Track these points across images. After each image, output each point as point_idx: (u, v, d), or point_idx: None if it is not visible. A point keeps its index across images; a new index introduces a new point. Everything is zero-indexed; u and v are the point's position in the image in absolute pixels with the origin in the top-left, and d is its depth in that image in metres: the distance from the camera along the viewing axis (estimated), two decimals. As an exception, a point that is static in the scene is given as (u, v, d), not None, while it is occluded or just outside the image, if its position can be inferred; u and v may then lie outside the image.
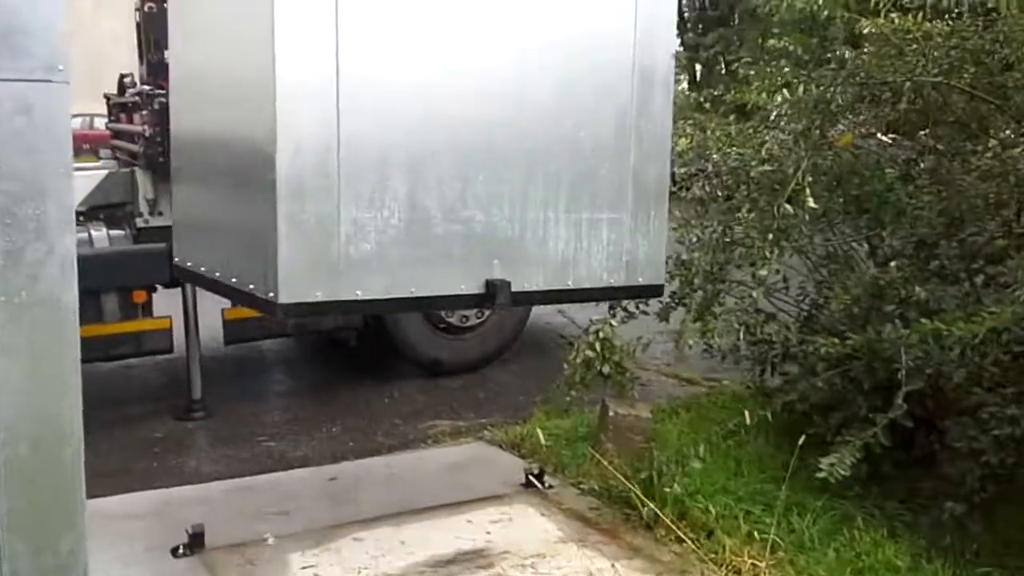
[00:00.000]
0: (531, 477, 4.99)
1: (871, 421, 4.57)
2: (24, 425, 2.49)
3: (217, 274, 3.90)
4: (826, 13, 5.37)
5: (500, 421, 6.66)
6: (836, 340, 4.38)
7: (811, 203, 4.44)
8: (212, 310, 7.38)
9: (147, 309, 6.83)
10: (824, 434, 4.70)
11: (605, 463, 4.75)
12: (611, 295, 4.21)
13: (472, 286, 3.68)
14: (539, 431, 5.54)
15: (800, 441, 4.40)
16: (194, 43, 4.12)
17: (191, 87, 4.18)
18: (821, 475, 3.94)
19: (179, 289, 6.87)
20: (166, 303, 7.17)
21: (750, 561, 3.84)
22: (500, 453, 5.66)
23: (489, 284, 3.68)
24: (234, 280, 3.72)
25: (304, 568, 4.03)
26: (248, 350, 8.63)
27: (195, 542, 4.20)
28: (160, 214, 7.26)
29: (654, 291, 4.28)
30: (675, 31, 4.10)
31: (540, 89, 3.75)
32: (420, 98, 3.50)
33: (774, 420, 5.13)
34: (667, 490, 4.44)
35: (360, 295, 3.46)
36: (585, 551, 4.17)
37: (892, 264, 4.51)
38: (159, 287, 6.97)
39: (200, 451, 6.35)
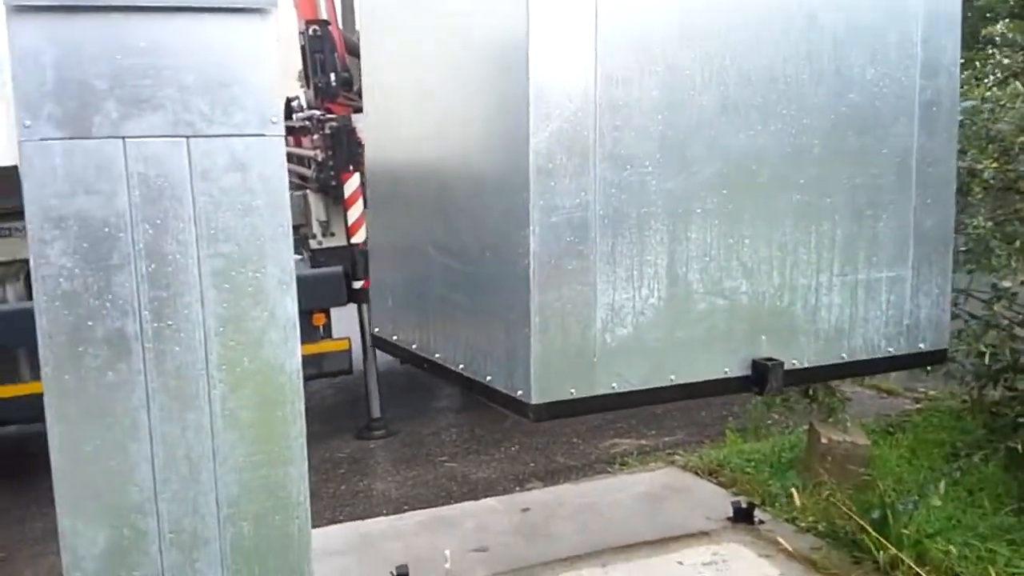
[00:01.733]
0: (740, 510, 4.63)
1: None
2: (249, 500, 2.37)
3: (437, 356, 3.57)
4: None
5: (686, 440, 6.33)
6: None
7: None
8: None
9: (327, 331, 6.86)
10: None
11: (825, 497, 4.36)
12: (889, 366, 3.69)
13: (737, 368, 3.29)
14: (737, 456, 5.19)
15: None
16: (399, 82, 3.78)
17: (396, 137, 3.86)
18: None
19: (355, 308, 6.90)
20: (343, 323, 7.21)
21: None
22: (697, 481, 5.32)
23: (756, 365, 3.28)
24: (462, 367, 3.39)
25: (513, 616, 3.83)
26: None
27: (400, 584, 4.08)
28: (332, 235, 7.34)
29: (937, 358, 3.74)
30: (959, 52, 3.56)
31: (812, 133, 3.30)
32: (688, 142, 3.11)
33: (1003, 439, 4.60)
34: (904, 531, 3.99)
35: (616, 388, 3.10)
36: (814, 599, 3.80)
37: None
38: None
39: (385, 473, 6.32)
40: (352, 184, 6.65)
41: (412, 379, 8.46)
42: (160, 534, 2.31)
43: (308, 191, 7.28)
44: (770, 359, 3.29)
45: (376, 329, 4.14)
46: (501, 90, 3.03)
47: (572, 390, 3.03)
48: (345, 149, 6.63)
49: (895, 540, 3.97)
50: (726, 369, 3.28)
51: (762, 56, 3.16)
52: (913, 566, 3.78)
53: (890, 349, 3.55)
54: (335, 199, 6.98)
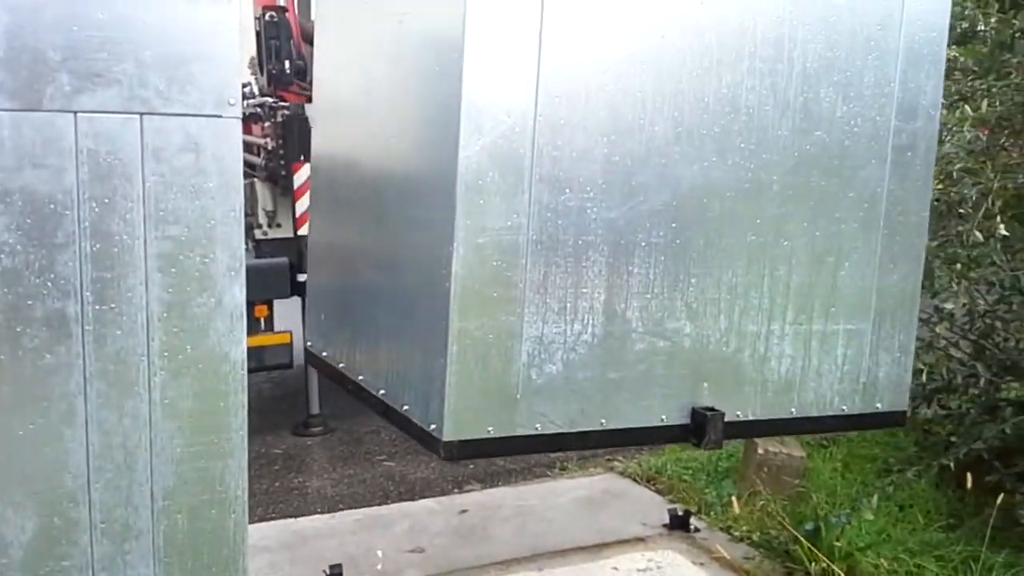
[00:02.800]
0: (676, 518, 4.67)
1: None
2: (185, 493, 2.31)
3: (361, 378, 3.36)
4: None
5: (626, 447, 6.34)
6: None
7: (1003, 230, 3.99)
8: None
9: (269, 324, 6.73)
10: (1000, 482, 4.26)
11: (760, 507, 4.41)
12: (841, 425, 3.47)
13: (675, 416, 3.05)
14: (675, 463, 5.22)
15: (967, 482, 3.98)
16: (346, 84, 3.62)
17: (339, 135, 3.71)
18: None
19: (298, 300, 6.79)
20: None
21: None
22: (634, 487, 5.34)
23: (696, 414, 3.05)
24: (382, 392, 3.17)
25: (448, 618, 3.79)
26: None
27: (334, 583, 4.01)
28: (279, 226, 7.20)
29: (895, 419, 3.50)
30: (940, 94, 3.36)
31: (773, 169, 3.07)
32: (635, 169, 2.89)
33: (934, 457, 4.71)
34: (836, 543, 4.06)
35: (539, 429, 2.86)
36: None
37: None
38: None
39: (321, 470, 6.21)
40: (302, 175, 6.53)
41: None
42: (91, 524, 2.23)
43: (256, 180, 7.14)
44: (711, 408, 3.06)
45: (309, 343, 3.91)
46: (435, 96, 2.84)
47: (490, 428, 2.79)
48: (297, 138, 6.51)
49: (827, 552, 4.03)
50: (663, 416, 3.05)
51: (722, 83, 2.95)
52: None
53: (843, 407, 3.34)
54: (283, 189, 6.85)
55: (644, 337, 2.98)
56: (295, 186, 6.56)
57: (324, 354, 3.72)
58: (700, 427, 3.04)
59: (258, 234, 7.05)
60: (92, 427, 2.22)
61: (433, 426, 2.79)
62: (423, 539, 4.62)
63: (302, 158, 6.50)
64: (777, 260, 3.12)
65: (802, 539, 4.12)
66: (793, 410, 3.26)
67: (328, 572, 4.04)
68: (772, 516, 4.52)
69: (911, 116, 3.22)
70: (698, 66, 2.92)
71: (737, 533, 4.59)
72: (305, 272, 6.50)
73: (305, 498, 5.69)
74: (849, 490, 4.81)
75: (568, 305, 2.85)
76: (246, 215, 7.15)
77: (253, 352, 6.39)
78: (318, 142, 3.95)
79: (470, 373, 2.74)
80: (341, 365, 3.53)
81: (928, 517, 4.69)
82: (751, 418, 3.20)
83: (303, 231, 6.51)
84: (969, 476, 3.56)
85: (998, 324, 4.64)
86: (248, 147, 7.49)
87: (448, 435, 2.74)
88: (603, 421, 2.96)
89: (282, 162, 6.60)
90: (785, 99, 3.03)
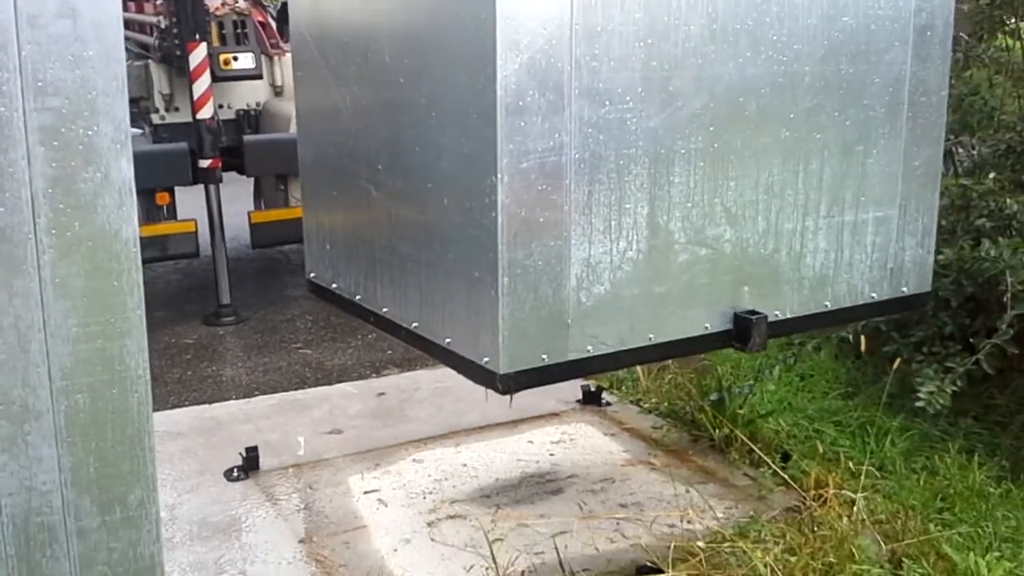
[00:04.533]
0: (589, 394, 4.79)
1: (952, 338, 4.35)
2: (83, 373, 2.24)
3: (386, 311, 3.24)
4: None
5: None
6: (925, 255, 4.08)
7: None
8: (238, 212, 7.09)
9: (171, 212, 6.53)
10: (898, 351, 4.47)
11: (668, 381, 4.55)
12: (871, 312, 3.53)
13: (718, 322, 3.06)
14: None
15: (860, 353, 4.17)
16: None
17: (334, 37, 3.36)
18: (919, 404, 3.74)
19: (202, 189, 6.60)
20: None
21: (833, 488, 3.63)
22: (550, 365, 5.44)
23: (739, 319, 3.07)
24: (416, 326, 3.06)
25: (367, 493, 3.86)
26: (275, 253, 8.38)
27: (250, 464, 4.03)
28: (176, 110, 6.93)
29: (919, 302, 3.59)
30: None
31: (804, 60, 3.03)
32: (672, 73, 2.82)
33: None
34: (739, 411, 4.23)
35: (591, 351, 2.83)
36: (656, 475, 3.99)
37: (991, 175, 4.16)
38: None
39: (235, 359, 6.16)
40: (198, 55, 6.21)
41: (264, 265, 8.24)
42: (-14, 407, 2.17)
43: (150, 61, 6.81)
44: (752, 312, 3.08)
45: (312, 274, 3.74)
46: (463, 11, 2.66)
47: (544, 356, 2.75)
48: (191, 16, 6.17)
49: (731, 419, 4.20)
50: (707, 325, 3.06)
51: None
52: (747, 441, 4.01)
53: (873, 295, 3.42)
54: (179, 71, 6.54)
55: (687, 247, 2.97)
56: (192, 67, 6.24)
57: (334, 286, 3.58)
58: (743, 331, 3.07)
59: (155, 119, 6.78)
60: (-21, 308, 2.12)
61: (487, 359, 2.73)
62: (341, 421, 4.66)
63: (197, 36, 6.19)
64: (811, 154, 3.13)
65: (707, 408, 4.28)
66: (827, 303, 3.32)
67: (244, 454, 4.05)
68: (679, 389, 4.68)
69: (929, 3, 3.22)
70: None
71: (646, 405, 4.75)
72: (207, 158, 6.33)
73: (219, 386, 5.64)
74: (753, 363, 4.99)
75: (613, 223, 2.81)
76: (141, 99, 6.90)
77: (157, 241, 6.24)
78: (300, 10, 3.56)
79: (522, 303, 2.68)
80: (358, 297, 3.41)
81: (828, 387, 4.93)
82: (789, 316, 3.24)
83: (202, 114, 6.25)
84: (863, 340, 3.71)
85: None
86: (140, 26, 7.11)
87: (504, 368, 2.69)
88: (651, 336, 2.95)
89: (176, 41, 6.27)
90: None
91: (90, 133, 2.18)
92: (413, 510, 3.72)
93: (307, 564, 3.33)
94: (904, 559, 3.26)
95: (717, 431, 4.22)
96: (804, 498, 3.56)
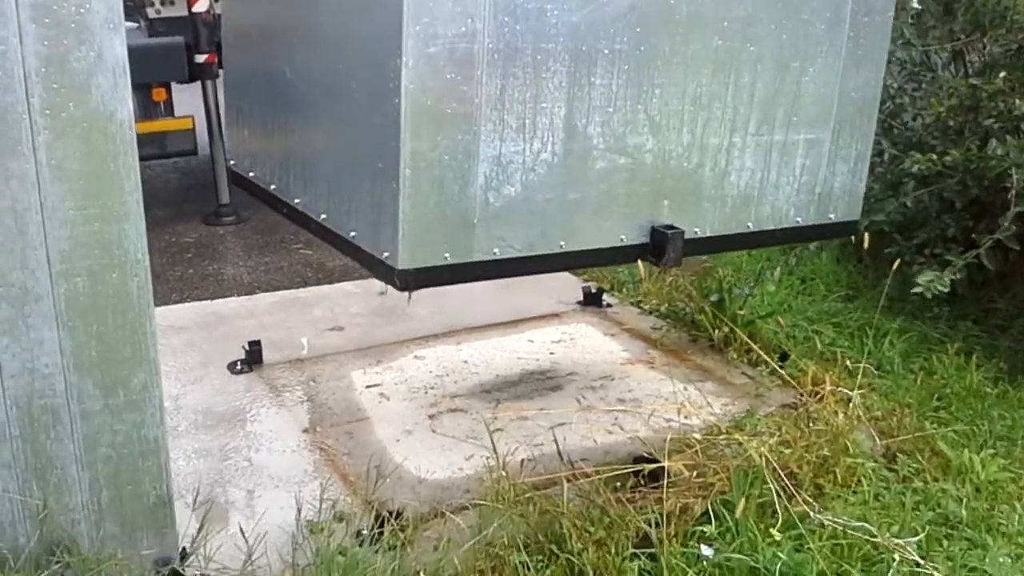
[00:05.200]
0: (589, 295, 4.79)
1: (955, 240, 4.33)
2: (82, 256, 2.24)
3: (297, 201, 3.17)
4: None
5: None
6: (934, 156, 4.04)
7: (916, 3, 3.96)
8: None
9: (168, 108, 6.43)
10: (900, 254, 4.45)
11: (669, 283, 4.55)
12: (794, 237, 3.48)
13: (634, 235, 2.97)
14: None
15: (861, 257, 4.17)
16: None
17: None
18: (917, 291, 3.78)
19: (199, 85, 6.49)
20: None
21: (830, 385, 3.66)
22: (551, 266, 5.44)
23: (655, 232, 2.98)
24: (323, 217, 3.00)
25: (369, 387, 3.90)
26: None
27: (253, 358, 4.06)
28: (172, 3, 6.73)
29: (846, 229, 3.52)
30: None
31: None
32: None
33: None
34: (740, 312, 4.23)
35: (497, 254, 2.75)
36: (654, 373, 4.03)
37: (1002, 75, 4.07)
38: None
39: (236, 258, 6.15)
40: (195, -55, 6.05)
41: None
42: (-13, 288, 2.17)
43: (144, -50, 6.61)
44: (670, 227, 3.00)
45: (232, 162, 3.65)
46: None
47: (447, 255, 2.68)
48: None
49: (730, 320, 4.21)
50: (622, 236, 2.97)
51: None
52: (746, 341, 4.03)
53: (798, 219, 3.32)
54: (175, -39, 6.37)
55: (605, 155, 2.86)
56: (188, -43, 6.08)
57: (251, 174, 3.49)
58: (659, 246, 2.99)
59: (151, 12, 6.59)
60: (-24, 189, 2.10)
61: (386, 254, 2.68)
62: (342, 318, 4.68)
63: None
64: (743, 66, 3.00)
65: (707, 309, 4.30)
66: (750, 224, 3.23)
67: (247, 348, 4.08)
68: (680, 291, 4.68)
69: None
70: None
71: (647, 307, 4.76)
72: (203, 52, 6.20)
73: (220, 284, 5.65)
74: (754, 266, 4.99)
75: (527, 122, 2.69)
76: (137, -9, 6.71)
77: (154, 138, 6.17)
78: None
79: (425, 198, 2.59)
80: (272, 187, 3.32)
81: (828, 289, 4.93)
82: (708, 235, 3.16)
83: (198, 7, 6.10)
84: (867, 237, 3.69)
85: (906, 101, 4.70)
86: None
87: (403, 263, 2.62)
88: (562, 243, 2.88)
89: (172, -73, 6.09)
90: None
91: (82, 11, 2.13)
92: (414, 404, 3.77)
93: (311, 452, 3.39)
94: (898, 454, 3.31)
95: (716, 331, 4.24)
96: (801, 395, 3.60)
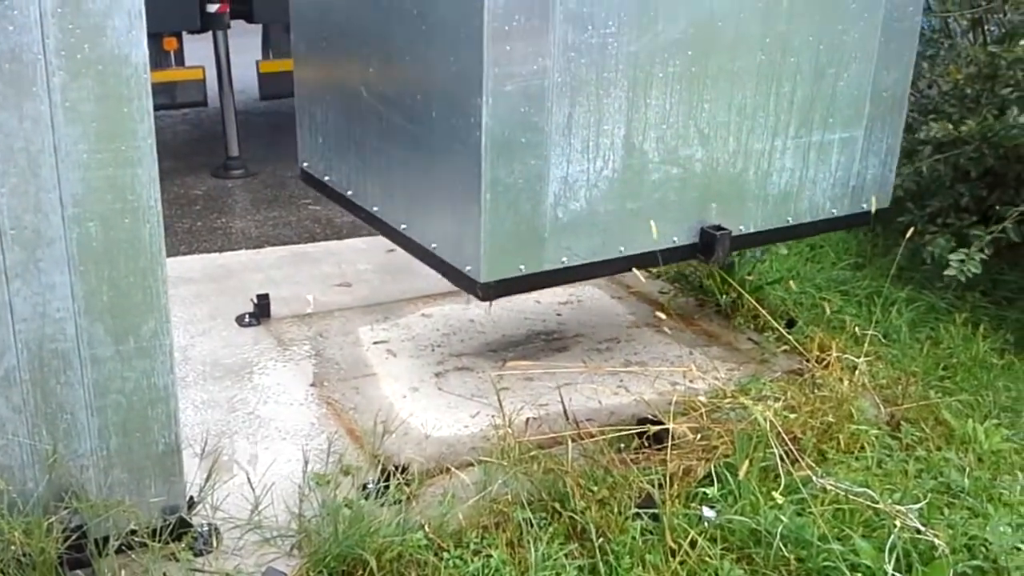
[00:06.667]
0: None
1: (967, 210, 4.31)
2: (95, 201, 2.23)
3: (376, 209, 3.39)
4: None
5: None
6: (950, 124, 4.00)
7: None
8: (246, 64, 6.94)
9: (179, 58, 6.39)
10: (912, 222, 4.43)
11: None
12: (830, 227, 3.72)
13: (685, 236, 3.24)
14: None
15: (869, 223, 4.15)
16: None
17: None
18: (950, 273, 3.84)
19: (210, 36, 6.43)
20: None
21: (836, 352, 3.66)
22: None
23: (704, 233, 3.24)
24: (404, 227, 3.23)
25: (376, 343, 3.90)
26: (285, 107, 8.24)
27: (261, 311, 4.07)
28: (184, -49, 6.65)
29: (878, 218, 3.76)
30: None
31: None
32: (650, 7, 2.90)
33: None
34: (748, 278, 4.22)
35: (565, 262, 3.02)
36: (661, 336, 4.03)
37: (1021, 43, 4.02)
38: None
39: (244, 212, 6.14)
40: None
41: (273, 119, 8.12)
42: (0, 231, 2.16)
43: None
44: (718, 227, 3.25)
45: (305, 163, 3.85)
46: None
47: (521, 266, 2.94)
48: None
49: (738, 285, 4.20)
50: (675, 238, 3.22)
51: None
52: (756, 305, 4.03)
53: (834, 211, 3.55)
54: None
55: (660, 167, 3.09)
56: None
57: (327, 178, 3.71)
58: (708, 245, 3.24)
59: (163, -40, 6.53)
60: (-11, 129, 2.09)
61: (469, 268, 2.93)
62: (350, 274, 4.68)
63: None
64: (783, 77, 3.23)
65: (715, 274, 4.27)
66: (789, 219, 3.46)
67: (255, 301, 4.08)
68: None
69: None
70: None
71: (655, 271, 4.74)
72: (215, 2, 6.14)
73: (229, 237, 5.64)
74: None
75: (591, 143, 2.93)
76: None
77: (165, 88, 6.14)
78: None
79: (502, 218, 2.83)
80: (349, 192, 3.55)
81: (837, 257, 4.92)
82: (752, 231, 3.40)
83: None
84: (875, 199, 3.69)
85: (924, 66, 4.64)
86: None
87: (485, 277, 2.88)
88: (622, 248, 3.13)
89: None
90: None
91: (97, -49, 2.10)
92: (421, 361, 3.78)
93: (318, 406, 3.41)
94: (903, 422, 3.32)
95: (724, 296, 4.24)
96: (807, 361, 3.60)
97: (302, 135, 3.83)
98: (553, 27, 2.73)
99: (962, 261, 3.77)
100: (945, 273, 3.84)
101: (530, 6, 2.68)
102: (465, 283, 2.99)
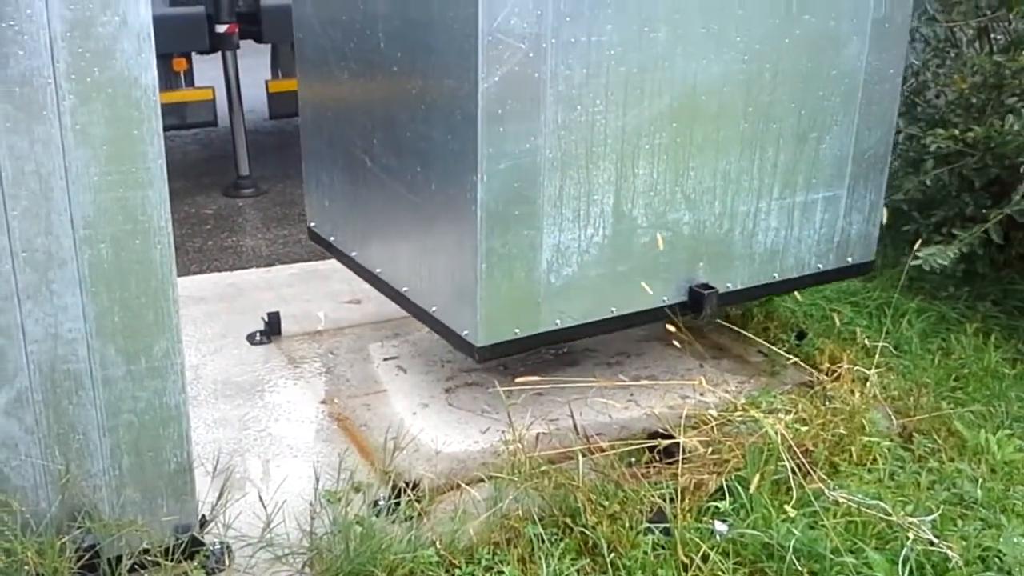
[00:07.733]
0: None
1: (973, 220, 4.30)
2: (106, 222, 2.25)
3: (379, 271, 3.52)
4: None
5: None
6: (956, 133, 4.00)
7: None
8: (255, 84, 6.99)
9: (189, 79, 6.45)
10: (918, 232, 4.43)
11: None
12: (816, 281, 3.80)
13: (674, 295, 3.34)
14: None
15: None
16: None
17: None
18: (916, 263, 3.82)
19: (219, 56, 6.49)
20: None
21: (847, 364, 3.65)
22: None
23: (693, 292, 3.34)
24: (406, 290, 3.35)
25: (386, 360, 3.92)
26: (293, 127, 8.30)
27: (272, 329, 4.09)
28: (193, -27, 6.71)
29: (863, 270, 3.86)
30: None
31: (765, 58, 3.21)
32: (640, 77, 3.01)
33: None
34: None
35: (559, 324, 3.12)
36: (671, 350, 4.02)
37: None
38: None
39: (255, 230, 6.18)
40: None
41: (282, 139, 8.17)
42: (12, 252, 2.18)
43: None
44: (706, 285, 3.35)
45: (313, 224, 3.99)
46: (449, 21, 2.82)
47: (516, 330, 3.04)
48: None
49: (748, 297, 4.19)
50: (664, 297, 3.31)
51: None
52: (766, 318, 4.03)
53: (819, 266, 3.65)
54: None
55: (648, 231, 3.19)
56: (209, -73, 6.07)
57: (332, 239, 3.85)
58: (697, 303, 3.35)
59: (173, -19, 6.60)
60: (3, 153, 2.11)
61: (466, 332, 3.03)
62: (359, 291, 4.67)
63: None
64: (766, 143, 3.33)
65: (726, 285, 4.27)
66: (776, 275, 3.56)
67: (266, 319, 4.10)
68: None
69: None
70: None
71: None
72: (224, 23, 6.20)
73: (240, 256, 5.68)
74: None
75: (581, 213, 3.03)
76: (158, -39, 6.70)
77: (174, 108, 6.19)
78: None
79: (497, 286, 2.94)
80: (354, 254, 3.68)
81: (846, 268, 4.89)
82: (740, 287, 3.50)
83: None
84: (886, 213, 3.69)
85: (929, 77, 4.65)
86: None
87: (481, 341, 2.99)
88: (613, 309, 3.23)
89: None
90: None
91: (107, -24, 2.12)
92: (431, 377, 3.79)
93: (329, 423, 3.42)
94: (915, 434, 3.31)
95: (734, 309, 4.23)
96: (818, 372, 3.59)
97: (309, 198, 4.00)
98: (544, 108, 2.85)
99: (932, 255, 3.77)
100: (912, 263, 3.86)
101: (522, 90, 2.79)
102: (463, 346, 3.09)
